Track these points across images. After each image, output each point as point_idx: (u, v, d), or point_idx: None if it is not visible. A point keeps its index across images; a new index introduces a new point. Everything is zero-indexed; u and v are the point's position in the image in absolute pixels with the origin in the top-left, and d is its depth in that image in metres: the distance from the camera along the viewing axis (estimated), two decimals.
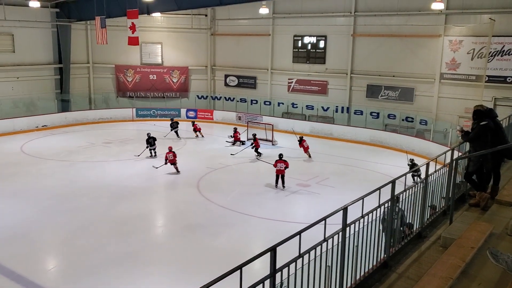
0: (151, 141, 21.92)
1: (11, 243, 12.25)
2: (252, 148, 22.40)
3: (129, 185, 17.53)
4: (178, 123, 27.00)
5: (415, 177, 15.91)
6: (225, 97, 33.08)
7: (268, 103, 31.20)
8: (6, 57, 28.53)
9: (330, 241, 5.03)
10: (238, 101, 32.41)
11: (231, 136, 25.19)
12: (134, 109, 32.05)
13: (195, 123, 27.47)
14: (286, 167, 17.33)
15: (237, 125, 27.57)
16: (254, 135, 23.16)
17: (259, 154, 22.26)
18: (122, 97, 33.46)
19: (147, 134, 22.45)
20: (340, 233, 5.16)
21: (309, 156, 22.36)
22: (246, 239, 13.14)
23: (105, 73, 33.35)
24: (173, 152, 19.31)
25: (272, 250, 3.86)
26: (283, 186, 17.36)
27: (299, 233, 4.25)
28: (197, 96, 33.77)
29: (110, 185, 17.54)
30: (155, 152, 21.86)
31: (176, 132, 26.46)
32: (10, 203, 15.39)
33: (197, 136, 26.58)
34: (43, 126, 28.22)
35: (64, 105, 31.19)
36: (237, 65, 32.97)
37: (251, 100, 31.85)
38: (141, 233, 13.26)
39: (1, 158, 21.28)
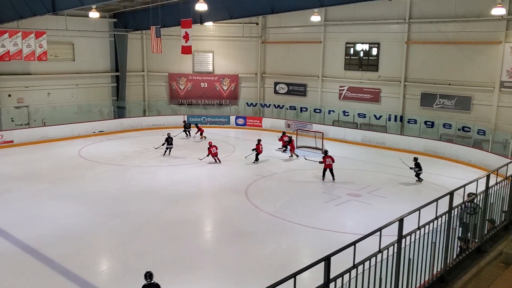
0: (169, 141, 23.70)
1: (68, 243, 12.71)
2: (253, 151, 22.64)
3: (180, 190, 17.82)
4: (190, 124, 29.02)
5: (419, 176, 18.61)
6: (274, 105, 33.13)
7: (318, 110, 30.94)
8: (67, 65, 29.96)
9: (383, 252, 4.87)
10: (287, 108, 32.35)
11: (286, 140, 25.24)
12: (186, 116, 32.65)
13: (199, 125, 28.92)
14: (333, 161, 19.32)
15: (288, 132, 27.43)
16: (259, 140, 23.37)
17: (257, 159, 22.55)
18: (174, 104, 34.24)
19: (167, 134, 24.13)
20: (395, 245, 4.99)
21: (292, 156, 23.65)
22: (295, 248, 12.98)
23: (158, 81, 34.28)
24: (215, 146, 22.04)
25: (326, 259, 3.75)
26: (333, 179, 19.14)
27: (353, 243, 4.12)
28: (247, 103, 34.01)
29: (162, 189, 17.90)
30: (170, 151, 23.58)
31: (187, 131, 28.60)
32: (68, 205, 16.02)
33: (202, 138, 27.84)
34: (99, 131, 29.31)
35: (120, 112, 32.31)
36: (287, 72, 32.95)
37: (301, 108, 31.70)
38: (190, 238, 13.41)
39: (60, 161, 22.24)
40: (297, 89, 32.55)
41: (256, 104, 34.12)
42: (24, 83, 28.11)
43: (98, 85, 31.91)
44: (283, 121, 31.19)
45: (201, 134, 28.29)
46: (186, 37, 23.63)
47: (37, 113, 28.51)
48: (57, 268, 11.21)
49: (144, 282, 9.08)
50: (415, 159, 19.62)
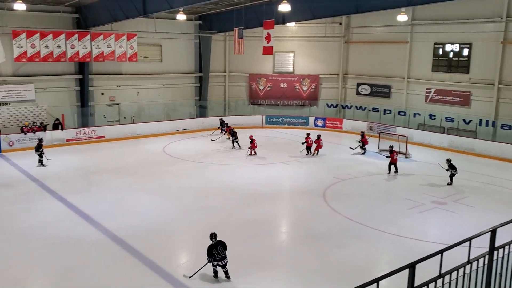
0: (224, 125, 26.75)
1: (152, 235, 13.33)
2: (248, 148, 23.81)
3: (257, 190, 17.99)
4: (227, 124, 29.06)
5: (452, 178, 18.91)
6: (356, 106, 32.44)
7: (402, 113, 29.82)
8: (155, 66, 31.48)
9: (472, 263, 4.57)
10: (370, 110, 31.52)
11: (358, 141, 24.72)
12: (264, 116, 32.98)
13: (228, 125, 28.65)
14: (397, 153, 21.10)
15: (367, 135, 26.75)
16: (251, 137, 24.19)
17: (254, 153, 23.71)
18: (254, 104, 34.69)
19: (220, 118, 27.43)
20: (486, 257, 4.65)
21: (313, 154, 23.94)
22: (374, 254, 12.59)
23: (239, 81, 34.93)
24: (255, 140, 23.67)
25: (411, 267, 3.57)
26: (396, 172, 20.47)
27: (441, 251, 3.89)
28: (327, 104, 33.60)
29: (239, 188, 18.20)
30: (238, 144, 25.23)
31: (223, 130, 28.79)
32: (153, 198, 16.81)
33: (228, 138, 27.30)
34: (183, 129, 30.46)
35: (202, 111, 33.38)
36: (371, 73, 32.11)
37: (384, 110, 30.73)
38: (266, 237, 13.49)
39: (146, 157, 23.42)
40: (381, 91, 31.60)
41: (337, 105, 33.61)
42: (116, 82, 29.96)
43: (183, 85, 33.19)
44: (364, 123, 30.42)
45: (227, 133, 27.79)
46: (268, 38, 23.82)
47: (126, 111, 30.25)
48: (141, 258, 11.79)
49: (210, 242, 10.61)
50: (449, 161, 19.25)
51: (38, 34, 24.83)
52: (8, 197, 16.79)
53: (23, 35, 24.40)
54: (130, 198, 16.84)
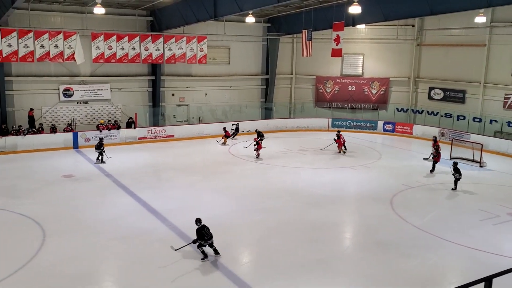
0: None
1: (216, 234, 13.40)
2: (254, 148, 23.53)
3: (321, 193, 17.80)
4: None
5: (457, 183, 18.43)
6: (427, 111, 31.20)
7: (478, 119, 28.30)
8: (223, 68, 32.11)
9: None
10: (442, 116, 30.20)
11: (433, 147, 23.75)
12: (330, 119, 32.59)
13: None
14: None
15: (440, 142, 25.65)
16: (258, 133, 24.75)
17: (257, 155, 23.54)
18: (320, 107, 34.35)
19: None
20: None
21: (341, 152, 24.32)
22: (442, 265, 12.02)
23: (305, 83, 34.77)
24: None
25: (487, 280, 3.38)
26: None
27: None
28: (397, 108, 32.60)
29: (303, 190, 18.09)
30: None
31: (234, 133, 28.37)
32: (218, 197, 17.15)
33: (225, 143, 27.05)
34: (247, 131, 30.76)
35: (267, 113, 33.57)
36: (444, 77, 30.79)
37: (458, 116, 29.31)
38: (329, 242, 13.31)
39: (212, 157, 23.93)
40: (455, 96, 30.19)
41: (407, 109, 32.51)
42: (185, 84, 30.88)
43: (249, 87, 33.58)
44: (436, 129, 29.16)
45: (228, 137, 27.52)
46: (337, 40, 23.55)
47: (195, 111, 31.06)
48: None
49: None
50: (455, 164, 18.72)
51: (114, 37, 26.12)
52: (83, 190, 17.81)
53: (101, 37, 25.77)
54: (195, 196, 17.27)
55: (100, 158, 22.19)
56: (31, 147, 24.17)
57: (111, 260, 12.06)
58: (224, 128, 27.61)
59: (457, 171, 18.43)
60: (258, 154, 23.50)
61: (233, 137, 28.34)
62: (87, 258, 11.90)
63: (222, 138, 27.32)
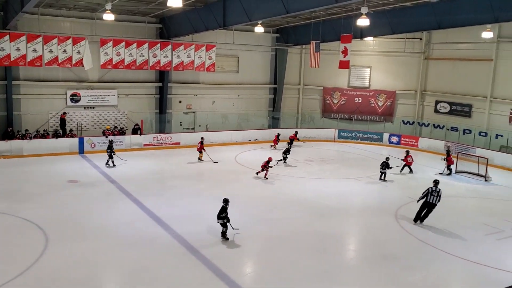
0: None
1: (220, 243, 13.57)
2: (283, 157, 23.99)
3: (327, 204, 17.78)
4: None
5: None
6: (433, 124, 31.16)
7: (484, 134, 28.22)
8: (231, 76, 32.27)
9: None
10: (448, 129, 30.15)
11: (444, 159, 23.83)
12: (337, 130, 32.60)
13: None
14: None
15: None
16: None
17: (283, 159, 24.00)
18: (327, 118, 34.40)
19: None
20: None
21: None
22: (446, 279, 11.97)
23: (313, 94, 34.86)
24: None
25: None
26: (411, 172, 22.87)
27: None
28: (403, 121, 32.58)
29: (309, 201, 18.06)
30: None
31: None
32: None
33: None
34: (255, 140, 30.85)
35: (274, 123, 33.65)
36: (451, 91, 30.77)
37: (464, 130, 29.25)
38: (334, 253, 13.28)
39: (218, 165, 23.92)
40: (461, 109, 30.14)
41: (413, 122, 32.47)
42: (193, 91, 31.02)
43: (257, 96, 33.70)
44: (442, 142, 29.11)
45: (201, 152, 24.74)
46: (345, 52, 23.63)
47: (202, 119, 31.17)
48: (207, 263, 12.03)
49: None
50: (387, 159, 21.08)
51: (123, 43, 26.34)
52: (88, 196, 17.86)
53: (110, 43, 26.00)
54: (200, 204, 17.27)
55: (110, 162, 22.33)
56: (37, 151, 24.29)
57: (113, 266, 12.06)
58: (278, 135, 28.84)
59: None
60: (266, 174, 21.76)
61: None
62: (89, 264, 11.91)
63: (273, 143, 28.66)
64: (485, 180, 22.37)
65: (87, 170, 21.97)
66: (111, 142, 23.19)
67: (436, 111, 31.71)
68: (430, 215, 15.80)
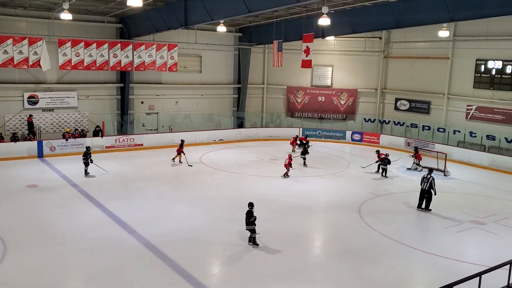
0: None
1: (187, 245, 13.46)
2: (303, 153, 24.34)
3: (292, 202, 17.93)
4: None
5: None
6: (394, 121, 31.94)
7: (442, 130, 29.15)
8: (195, 76, 32.06)
9: None
10: (408, 126, 30.98)
11: (413, 155, 24.43)
12: (301, 129, 32.91)
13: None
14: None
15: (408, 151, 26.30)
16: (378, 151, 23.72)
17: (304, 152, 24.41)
18: (291, 117, 34.71)
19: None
20: None
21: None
22: (408, 273, 12.30)
23: (277, 93, 35.07)
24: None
25: None
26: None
27: (479, 274, 3.79)
28: (364, 119, 33.25)
29: (275, 200, 18.16)
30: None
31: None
32: (188, 207, 17.00)
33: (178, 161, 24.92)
34: (219, 140, 30.77)
35: (239, 122, 33.67)
36: (410, 88, 31.61)
37: (423, 126, 30.14)
38: (300, 251, 13.39)
39: (183, 166, 23.70)
40: (420, 107, 31.03)
41: (375, 120, 33.19)
42: (155, 92, 30.64)
43: (221, 96, 33.62)
44: (402, 139, 29.93)
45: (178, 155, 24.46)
46: (307, 51, 23.87)
47: (165, 120, 30.83)
48: (174, 266, 11.91)
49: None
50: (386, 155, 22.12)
51: (82, 43, 25.74)
52: (48, 201, 17.35)
53: (68, 43, 25.35)
54: (166, 206, 17.09)
55: (85, 170, 21.14)
56: None
57: (76, 272, 11.77)
58: (300, 137, 28.52)
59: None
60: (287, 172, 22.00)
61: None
62: (51, 270, 11.59)
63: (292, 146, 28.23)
64: (444, 175, 23.09)
65: (47, 174, 21.34)
66: (88, 148, 21.73)
67: (396, 108, 32.51)
68: (393, 209, 16.16)
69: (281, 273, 11.78)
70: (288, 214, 16.59)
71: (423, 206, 17.19)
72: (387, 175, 22.45)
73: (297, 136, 29.38)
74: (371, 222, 15.88)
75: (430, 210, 17.04)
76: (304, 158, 24.56)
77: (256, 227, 13.35)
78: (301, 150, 25.49)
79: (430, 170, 17.46)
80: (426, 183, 16.97)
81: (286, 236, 14.33)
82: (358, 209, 17.32)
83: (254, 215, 13.23)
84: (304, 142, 27.28)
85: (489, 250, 13.82)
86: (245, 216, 13.28)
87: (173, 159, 24.26)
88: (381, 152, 23.56)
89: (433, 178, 17.06)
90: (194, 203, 17.51)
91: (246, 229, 13.27)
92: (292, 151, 27.28)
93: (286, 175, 21.80)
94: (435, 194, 17.08)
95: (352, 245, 13.83)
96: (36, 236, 13.78)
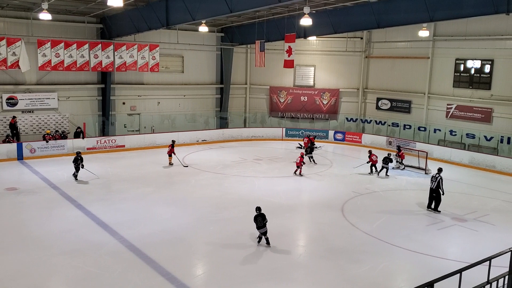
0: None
1: (169, 245, 13.37)
2: (307, 152, 24.47)
3: (275, 202, 17.94)
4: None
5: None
6: (375, 121, 32.25)
7: (423, 129, 29.54)
8: (177, 76, 31.88)
9: (492, 283, 4.46)
10: (389, 125, 31.30)
11: (396, 154, 24.58)
12: (284, 129, 33.01)
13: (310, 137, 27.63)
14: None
15: (389, 150, 26.56)
16: (370, 151, 23.75)
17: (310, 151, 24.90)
18: (274, 117, 34.77)
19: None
20: (506, 277, 4.55)
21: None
22: (391, 270, 12.42)
23: (260, 93, 35.10)
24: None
25: (429, 285, 3.52)
26: (377, 172, 22.85)
27: (460, 271, 3.83)
28: (346, 118, 33.50)
29: (258, 200, 18.01)
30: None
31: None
32: (171, 208, 16.88)
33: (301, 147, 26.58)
34: (203, 140, 30.66)
35: (222, 122, 33.59)
36: (391, 88, 31.95)
37: (404, 125, 30.49)
38: (284, 250, 13.41)
39: (166, 167, 23.56)
40: (401, 106, 31.38)
41: (357, 119, 33.46)
42: (137, 92, 30.38)
43: (203, 96, 33.49)
44: (384, 138, 30.23)
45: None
46: (289, 51, 23.94)
47: (147, 120, 30.60)
48: (157, 268, 11.82)
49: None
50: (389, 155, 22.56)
51: (62, 44, 25.41)
52: (28, 203, 17.08)
53: (48, 44, 25.00)
54: (148, 207, 16.95)
55: (75, 174, 20.50)
56: None
57: (58, 275, 11.60)
58: (309, 136, 27.62)
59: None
60: (300, 170, 22.29)
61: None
62: (32, 274, 11.40)
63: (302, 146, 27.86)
64: (425, 173, 23.37)
65: (27, 177, 21.00)
66: (78, 154, 20.88)
67: (377, 107, 32.82)
68: (376, 207, 16.28)
69: (265, 273, 11.78)
70: (271, 214, 16.47)
71: (433, 206, 17.15)
72: (388, 174, 22.61)
73: (309, 136, 28.12)
74: (354, 220, 15.99)
75: (439, 211, 16.91)
76: (311, 157, 25.01)
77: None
78: (307, 150, 25.66)
79: (439, 169, 17.27)
80: (434, 182, 16.93)
81: (269, 236, 14.31)
82: (341, 208, 17.43)
83: (255, 220, 13.46)
84: (312, 142, 27.36)
85: (470, 247, 14.04)
86: (257, 219, 13.34)
87: (170, 163, 23.92)
88: (373, 152, 23.66)
89: (441, 177, 16.91)
90: (177, 204, 17.41)
91: (261, 232, 13.38)
92: (305, 151, 25.81)
93: (299, 173, 22.15)
94: (443, 194, 16.92)
95: (335, 244, 13.91)
96: (15, 239, 13.54)
